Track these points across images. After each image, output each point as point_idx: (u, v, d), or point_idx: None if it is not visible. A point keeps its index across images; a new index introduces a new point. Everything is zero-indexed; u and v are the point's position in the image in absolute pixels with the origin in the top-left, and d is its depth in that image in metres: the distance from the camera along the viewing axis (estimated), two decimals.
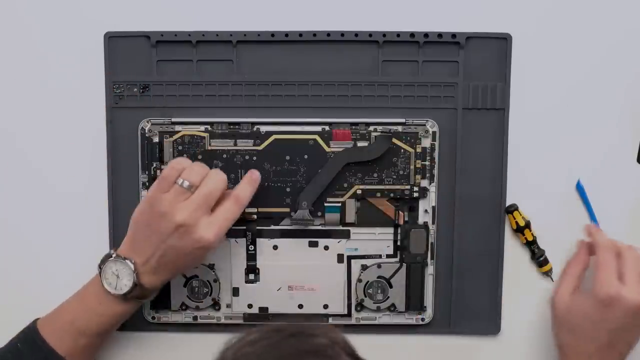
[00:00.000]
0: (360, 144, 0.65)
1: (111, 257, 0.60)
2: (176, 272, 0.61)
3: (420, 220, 0.66)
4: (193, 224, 0.57)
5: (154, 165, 0.65)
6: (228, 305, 0.67)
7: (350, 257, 0.66)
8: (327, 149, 0.65)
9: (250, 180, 0.62)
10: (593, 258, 0.63)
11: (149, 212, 0.59)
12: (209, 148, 0.65)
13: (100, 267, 0.60)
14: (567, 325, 0.61)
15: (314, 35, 0.65)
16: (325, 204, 0.65)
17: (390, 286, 0.66)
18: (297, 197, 0.64)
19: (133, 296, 0.60)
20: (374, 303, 0.67)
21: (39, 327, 0.60)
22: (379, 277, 0.66)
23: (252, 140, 0.65)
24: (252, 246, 0.66)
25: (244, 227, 0.66)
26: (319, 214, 0.65)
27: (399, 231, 0.66)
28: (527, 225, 0.66)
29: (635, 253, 0.61)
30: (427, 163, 0.65)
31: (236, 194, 0.61)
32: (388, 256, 0.66)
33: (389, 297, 0.66)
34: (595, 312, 0.59)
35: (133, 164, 0.65)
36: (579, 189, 0.66)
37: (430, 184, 0.66)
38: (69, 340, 0.60)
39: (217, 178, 0.60)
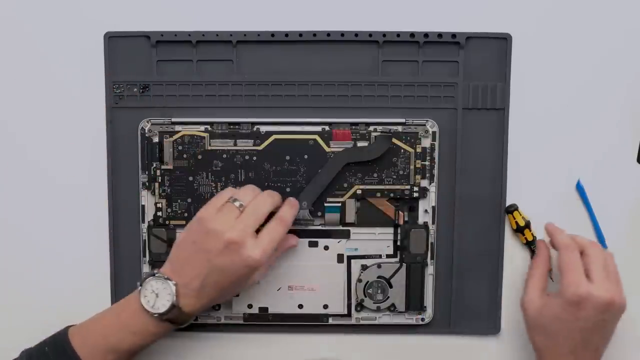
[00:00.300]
0: (360, 144, 0.65)
1: (153, 275, 0.59)
2: (217, 296, 0.60)
3: (420, 220, 0.66)
4: (242, 242, 0.57)
5: (154, 165, 0.65)
6: (228, 306, 0.67)
7: (350, 257, 0.66)
8: (327, 149, 0.65)
9: (292, 204, 0.63)
10: (556, 256, 0.63)
11: (197, 230, 0.59)
12: (209, 148, 0.65)
13: (140, 284, 0.59)
14: (539, 327, 0.61)
15: (314, 35, 0.65)
16: (325, 204, 0.65)
17: (390, 286, 0.66)
18: (297, 197, 0.64)
19: (169, 318, 0.59)
20: (374, 303, 0.67)
21: (70, 336, 0.59)
22: (379, 277, 0.66)
23: (252, 140, 0.65)
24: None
25: None
26: (319, 214, 0.65)
27: (399, 231, 0.66)
28: (527, 225, 0.66)
29: (598, 248, 0.62)
30: (427, 163, 0.65)
31: (280, 215, 0.61)
32: (388, 256, 0.66)
33: (389, 297, 0.66)
34: (566, 313, 0.59)
35: (133, 164, 0.65)
36: (579, 189, 0.66)
37: (430, 184, 0.66)
38: (99, 354, 0.59)
39: (267, 199, 0.61)
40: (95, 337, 0.59)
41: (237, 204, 0.59)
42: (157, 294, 0.59)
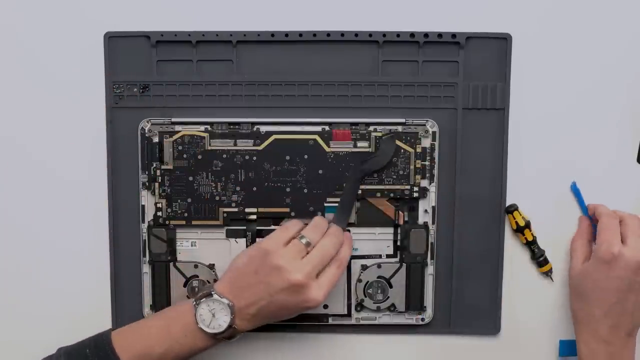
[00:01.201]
0: (360, 144, 0.65)
1: (211, 295, 0.59)
2: (271, 321, 0.61)
3: (420, 220, 0.66)
4: (307, 285, 0.58)
5: (154, 165, 0.65)
6: None
7: (350, 257, 0.66)
8: (327, 149, 0.65)
9: (350, 242, 0.63)
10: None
11: (261, 261, 0.58)
12: (209, 148, 0.65)
13: (197, 301, 0.59)
14: (577, 291, 0.62)
15: (314, 35, 0.65)
16: (325, 204, 0.65)
17: (390, 286, 0.66)
18: (297, 196, 0.64)
19: (223, 337, 0.59)
20: (374, 303, 0.67)
21: (113, 340, 0.59)
22: (379, 277, 0.66)
23: (252, 140, 0.65)
24: None
25: (244, 227, 0.66)
26: (319, 214, 0.65)
27: (399, 231, 0.66)
28: (527, 225, 0.66)
29: (637, 218, 0.62)
30: (427, 163, 0.65)
31: (341, 258, 0.61)
32: (388, 256, 0.66)
33: (389, 297, 0.66)
34: (598, 272, 0.60)
35: (133, 164, 0.65)
36: (574, 190, 0.66)
37: (430, 184, 0.66)
38: (139, 359, 0.59)
39: (333, 240, 0.61)
40: (140, 344, 0.59)
41: (304, 241, 0.59)
42: (214, 314, 0.59)
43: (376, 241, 0.66)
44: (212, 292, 0.59)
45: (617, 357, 0.60)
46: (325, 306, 0.67)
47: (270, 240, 0.60)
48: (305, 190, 0.65)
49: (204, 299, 0.59)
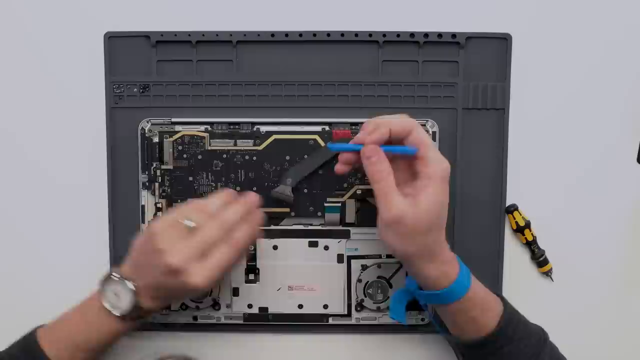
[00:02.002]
0: None
1: (112, 277, 0.59)
2: (176, 301, 0.60)
3: None
4: (183, 269, 0.55)
5: (154, 165, 0.65)
6: (228, 306, 0.67)
7: (350, 257, 0.66)
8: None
9: (253, 221, 0.59)
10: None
11: (147, 243, 0.57)
12: (209, 148, 0.65)
13: (101, 285, 0.59)
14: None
15: (314, 35, 0.65)
16: (325, 204, 0.65)
17: (390, 286, 0.66)
18: (297, 196, 0.64)
19: (132, 317, 0.59)
20: (374, 303, 0.67)
21: (39, 337, 0.59)
22: (379, 277, 0.66)
23: (252, 140, 0.65)
24: (252, 246, 0.66)
25: None
26: (319, 214, 0.65)
27: None
28: (527, 225, 0.66)
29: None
30: None
31: (236, 238, 0.57)
32: (388, 256, 0.66)
33: (389, 297, 0.66)
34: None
35: (133, 164, 0.65)
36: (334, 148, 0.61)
37: None
38: (67, 354, 0.59)
39: (222, 223, 0.57)
40: (63, 337, 0.59)
41: (187, 223, 0.56)
42: (118, 296, 0.58)
43: (376, 241, 0.66)
44: (112, 274, 0.59)
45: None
46: (325, 306, 0.67)
47: (160, 221, 0.58)
48: (305, 190, 0.65)
49: (107, 280, 0.59)
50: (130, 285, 0.58)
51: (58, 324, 0.60)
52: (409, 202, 0.55)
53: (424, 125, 0.65)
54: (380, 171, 0.55)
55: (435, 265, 0.56)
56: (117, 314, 0.58)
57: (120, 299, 0.58)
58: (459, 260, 0.58)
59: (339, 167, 0.59)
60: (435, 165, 0.55)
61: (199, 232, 0.56)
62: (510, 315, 0.59)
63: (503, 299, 0.60)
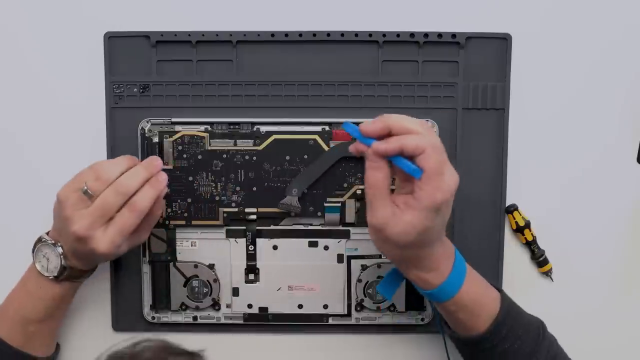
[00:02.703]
0: None
1: (41, 241, 0.60)
2: (98, 262, 0.62)
3: None
4: (88, 236, 0.57)
5: None
6: (228, 306, 0.67)
7: (350, 257, 0.66)
8: (327, 149, 0.65)
9: (154, 183, 0.59)
10: None
11: (57, 209, 0.59)
12: (209, 148, 0.65)
13: (33, 250, 0.61)
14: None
15: (314, 35, 0.65)
16: (325, 204, 0.65)
17: None
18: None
19: (65, 278, 0.60)
20: (374, 303, 0.67)
21: None
22: (379, 277, 0.66)
23: (252, 140, 0.65)
24: (252, 246, 0.66)
25: (244, 227, 0.66)
26: (319, 214, 0.65)
27: None
28: (527, 225, 0.66)
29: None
30: None
31: (134, 201, 0.57)
32: None
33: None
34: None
35: None
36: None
37: None
38: (18, 329, 0.60)
39: (119, 188, 0.57)
40: (10, 313, 0.61)
41: (85, 191, 0.57)
42: (48, 258, 0.60)
43: None
44: (41, 238, 0.60)
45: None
46: (325, 306, 0.67)
47: (64, 187, 0.59)
48: (305, 190, 0.65)
49: (37, 245, 0.60)
50: (56, 247, 0.59)
51: (5, 303, 0.62)
52: (393, 214, 0.53)
53: None
54: (376, 179, 0.53)
55: (417, 272, 0.56)
56: (51, 277, 0.60)
57: (51, 261, 0.60)
58: (455, 264, 0.57)
59: (353, 148, 0.56)
60: (431, 193, 0.52)
61: (98, 199, 0.57)
62: (505, 315, 0.58)
63: (502, 299, 0.60)
